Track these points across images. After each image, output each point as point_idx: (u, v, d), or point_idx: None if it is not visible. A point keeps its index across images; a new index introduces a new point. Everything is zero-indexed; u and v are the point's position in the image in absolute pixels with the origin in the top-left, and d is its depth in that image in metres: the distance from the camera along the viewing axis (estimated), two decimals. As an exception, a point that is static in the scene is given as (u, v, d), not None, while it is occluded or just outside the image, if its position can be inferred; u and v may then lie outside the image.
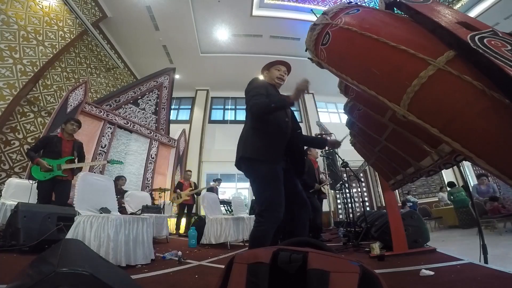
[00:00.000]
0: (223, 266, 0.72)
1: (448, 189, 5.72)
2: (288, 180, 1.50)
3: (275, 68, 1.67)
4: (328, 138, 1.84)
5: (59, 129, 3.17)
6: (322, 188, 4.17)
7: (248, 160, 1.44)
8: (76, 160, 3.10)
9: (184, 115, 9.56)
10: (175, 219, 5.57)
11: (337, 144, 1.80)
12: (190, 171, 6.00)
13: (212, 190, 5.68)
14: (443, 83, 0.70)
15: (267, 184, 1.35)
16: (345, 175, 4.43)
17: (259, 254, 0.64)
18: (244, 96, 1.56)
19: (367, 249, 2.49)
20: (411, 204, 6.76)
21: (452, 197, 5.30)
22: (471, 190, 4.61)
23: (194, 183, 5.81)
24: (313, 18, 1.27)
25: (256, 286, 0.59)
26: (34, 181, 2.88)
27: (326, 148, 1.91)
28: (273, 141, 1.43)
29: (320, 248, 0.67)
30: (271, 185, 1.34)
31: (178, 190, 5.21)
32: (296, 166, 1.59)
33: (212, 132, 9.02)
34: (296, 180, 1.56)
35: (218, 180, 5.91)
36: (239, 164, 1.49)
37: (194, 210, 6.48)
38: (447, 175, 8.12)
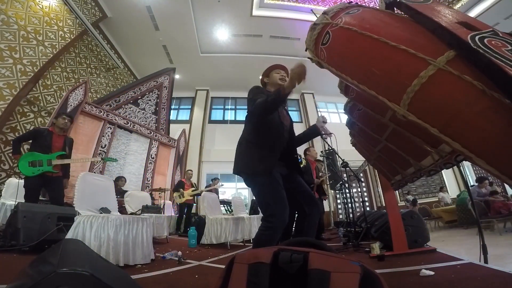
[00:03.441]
0: (223, 266, 0.72)
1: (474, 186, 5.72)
2: (292, 181, 1.52)
3: (275, 72, 1.67)
4: (317, 124, 1.76)
5: (50, 124, 3.05)
6: (323, 188, 4.18)
7: (244, 174, 1.46)
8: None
9: (184, 115, 9.57)
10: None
11: (322, 121, 1.71)
12: (191, 170, 6.01)
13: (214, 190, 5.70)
14: (443, 83, 0.70)
15: (267, 191, 1.36)
16: (345, 175, 4.43)
17: (260, 254, 0.64)
18: (246, 101, 1.55)
19: (367, 249, 2.49)
20: (412, 198, 7.03)
21: (457, 197, 5.38)
22: (470, 191, 4.61)
23: (194, 183, 5.82)
24: (313, 18, 1.26)
25: (256, 286, 0.59)
26: (22, 178, 2.73)
27: (327, 147, 1.90)
28: (268, 154, 1.42)
29: (321, 248, 0.67)
30: (271, 192, 1.35)
31: (181, 190, 5.21)
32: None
33: (212, 132, 9.02)
34: (301, 180, 1.56)
35: (216, 180, 5.92)
36: (238, 174, 1.50)
37: (194, 210, 6.49)
38: (447, 175, 8.12)
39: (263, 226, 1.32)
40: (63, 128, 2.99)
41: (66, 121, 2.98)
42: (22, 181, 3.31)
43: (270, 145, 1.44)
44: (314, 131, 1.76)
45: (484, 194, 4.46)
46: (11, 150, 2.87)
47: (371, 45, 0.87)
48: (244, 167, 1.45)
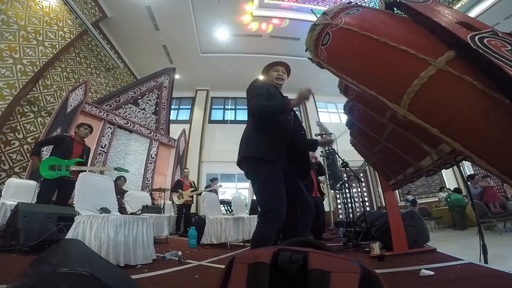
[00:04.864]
0: (223, 266, 0.72)
1: (450, 193, 5.77)
2: (290, 181, 1.50)
3: (273, 69, 1.67)
4: (319, 138, 1.79)
5: (71, 132, 3.25)
6: (322, 189, 4.18)
7: (249, 160, 1.43)
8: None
9: (184, 115, 9.56)
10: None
11: (329, 142, 1.75)
12: (187, 169, 6.01)
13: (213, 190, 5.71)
14: (444, 83, 0.70)
15: (268, 186, 1.35)
16: (345, 175, 4.44)
17: (260, 254, 0.64)
18: (246, 96, 1.55)
19: (367, 249, 2.48)
20: (412, 198, 7.02)
21: (449, 198, 5.39)
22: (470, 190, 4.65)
23: (193, 182, 5.81)
24: (313, 18, 1.27)
25: (256, 286, 0.59)
26: (40, 179, 2.88)
27: (326, 148, 1.90)
28: (274, 140, 1.42)
29: (321, 248, 0.67)
30: (272, 186, 1.34)
31: (180, 190, 5.21)
32: (299, 168, 1.57)
33: (212, 132, 9.02)
34: (298, 181, 1.55)
35: (215, 180, 5.93)
36: (240, 164, 1.49)
37: (193, 210, 6.50)
38: (447, 175, 8.11)
39: (260, 223, 1.31)
40: (83, 137, 3.22)
41: (87, 131, 3.22)
42: (26, 181, 3.44)
43: (278, 133, 1.44)
44: (311, 147, 1.74)
45: (479, 191, 4.56)
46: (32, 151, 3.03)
47: (371, 46, 0.87)
48: (251, 151, 1.41)
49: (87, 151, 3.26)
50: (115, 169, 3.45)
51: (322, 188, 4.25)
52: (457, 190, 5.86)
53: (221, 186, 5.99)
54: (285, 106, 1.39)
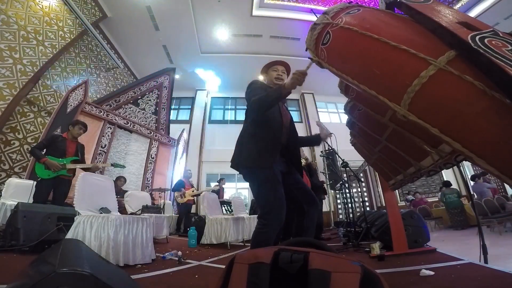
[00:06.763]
0: (223, 266, 0.72)
1: (443, 189, 5.70)
2: (291, 179, 1.51)
3: (272, 69, 1.67)
4: (319, 132, 1.81)
5: (66, 131, 3.19)
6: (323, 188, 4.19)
7: (244, 168, 1.45)
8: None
9: (184, 115, 9.56)
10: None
11: (327, 134, 1.79)
12: (190, 170, 6.02)
13: (217, 191, 5.75)
14: (444, 83, 0.70)
15: (266, 188, 1.35)
16: (345, 175, 4.44)
17: (260, 254, 0.64)
18: (245, 97, 1.55)
19: (367, 249, 2.49)
20: (412, 198, 7.07)
21: (444, 199, 5.32)
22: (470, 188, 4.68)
23: (193, 184, 5.84)
24: (313, 18, 1.27)
25: (256, 286, 0.59)
26: (38, 179, 2.86)
27: (327, 147, 1.92)
28: (267, 145, 1.42)
29: (321, 249, 0.67)
30: (270, 188, 1.34)
31: (183, 189, 5.22)
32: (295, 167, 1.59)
33: (212, 132, 9.02)
34: (300, 178, 1.56)
35: (222, 180, 6.02)
36: (237, 168, 1.50)
37: (193, 210, 6.50)
38: (447, 175, 8.11)
39: (259, 224, 1.31)
40: (77, 137, 3.17)
41: (81, 131, 3.18)
42: (26, 181, 3.44)
43: (270, 138, 1.44)
44: (315, 141, 1.79)
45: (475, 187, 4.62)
46: (36, 158, 2.91)
47: (372, 45, 0.87)
48: (245, 160, 1.43)
49: (81, 148, 3.22)
50: (112, 165, 3.44)
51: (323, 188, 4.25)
52: (446, 184, 5.77)
53: (224, 184, 6.11)
54: (279, 90, 1.33)
